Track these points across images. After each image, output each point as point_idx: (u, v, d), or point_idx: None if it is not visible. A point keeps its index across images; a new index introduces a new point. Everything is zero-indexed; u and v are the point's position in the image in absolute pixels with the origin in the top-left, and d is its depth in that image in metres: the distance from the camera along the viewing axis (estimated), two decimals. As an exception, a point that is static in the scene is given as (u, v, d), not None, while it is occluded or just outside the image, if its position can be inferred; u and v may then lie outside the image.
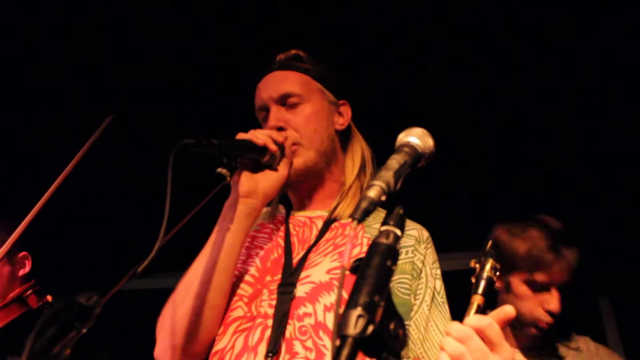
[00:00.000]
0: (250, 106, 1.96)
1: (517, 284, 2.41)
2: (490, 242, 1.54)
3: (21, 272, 2.72)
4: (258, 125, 1.90)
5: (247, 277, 1.72)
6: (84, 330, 1.14)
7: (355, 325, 0.98)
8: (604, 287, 4.23)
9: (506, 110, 3.49)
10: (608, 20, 2.99)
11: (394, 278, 1.46)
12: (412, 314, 1.64)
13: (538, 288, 2.39)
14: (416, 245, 1.71)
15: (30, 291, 2.51)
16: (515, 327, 2.46)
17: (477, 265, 1.49)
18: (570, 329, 2.59)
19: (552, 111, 3.47)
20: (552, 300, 2.38)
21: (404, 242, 1.08)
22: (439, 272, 1.75)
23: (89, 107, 3.45)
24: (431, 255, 1.75)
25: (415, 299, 1.65)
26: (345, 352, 0.96)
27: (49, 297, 2.54)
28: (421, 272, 1.70)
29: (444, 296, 1.72)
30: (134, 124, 3.53)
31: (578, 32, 3.06)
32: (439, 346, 1.56)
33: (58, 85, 3.48)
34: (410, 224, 1.74)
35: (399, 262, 1.64)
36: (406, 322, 1.63)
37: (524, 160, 3.73)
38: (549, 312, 2.38)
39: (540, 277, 2.37)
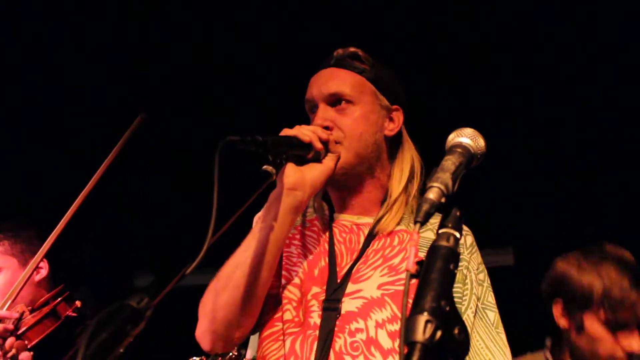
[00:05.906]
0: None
1: (592, 323, 2.24)
2: None
3: (38, 278, 2.64)
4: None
5: (295, 280, 1.70)
6: (136, 333, 1.13)
7: (424, 331, 0.96)
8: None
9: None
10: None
11: None
12: None
13: (617, 328, 2.22)
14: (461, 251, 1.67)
15: (59, 299, 2.46)
16: None
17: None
18: None
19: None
20: (634, 341, 2.21)
21: None
22: (481, 275, 1.72)
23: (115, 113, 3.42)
24: (475, 260, 1.72)
25: (461, 305, 1.65)
26: (414, 359, 0.94)
27: (78, 303, 2.50)
28: (466, 278, 1.68)
29: (488, 300, 1.70)
30: (155, 121, 3.49)
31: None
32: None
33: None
34: None
35: None
36: None
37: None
38: (631, 354, 2.21)
39: (621, 317, 2.20)
